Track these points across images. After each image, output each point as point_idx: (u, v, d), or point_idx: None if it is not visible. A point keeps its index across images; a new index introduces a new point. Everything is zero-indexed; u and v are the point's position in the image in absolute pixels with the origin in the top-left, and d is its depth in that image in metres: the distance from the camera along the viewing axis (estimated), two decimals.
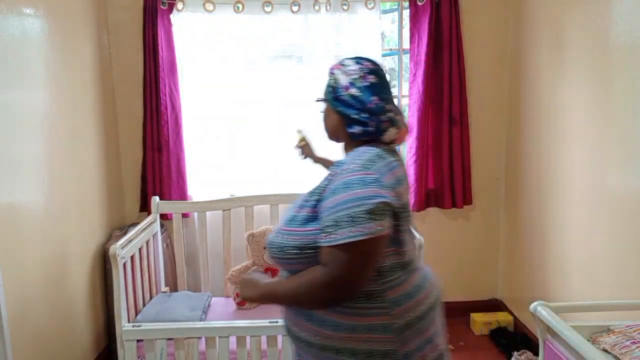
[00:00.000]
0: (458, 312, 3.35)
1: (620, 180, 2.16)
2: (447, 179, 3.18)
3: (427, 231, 3.12)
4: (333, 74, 1.37)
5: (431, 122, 3.14)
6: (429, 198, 3.23)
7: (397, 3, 3.31)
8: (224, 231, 2.96)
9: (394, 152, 1.36)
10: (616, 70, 2.17)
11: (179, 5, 2.98)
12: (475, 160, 3.29)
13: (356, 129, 1.32)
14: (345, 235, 1.13)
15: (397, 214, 1.22)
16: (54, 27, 2.41)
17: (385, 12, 3.40)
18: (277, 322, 2.26)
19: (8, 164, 2.01)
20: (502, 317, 3.22)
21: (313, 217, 1.24)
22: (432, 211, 3.31)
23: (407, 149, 3.21)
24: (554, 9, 2.66)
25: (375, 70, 1.35)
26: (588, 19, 2.37)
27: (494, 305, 3.43)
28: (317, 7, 3.04)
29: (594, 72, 2.33)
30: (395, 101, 3.59)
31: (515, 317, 3.20)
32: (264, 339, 2.30)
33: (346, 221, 1.13)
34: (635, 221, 2.05)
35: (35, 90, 2.23)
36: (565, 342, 1.56)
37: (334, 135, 1.43)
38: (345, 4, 3.04)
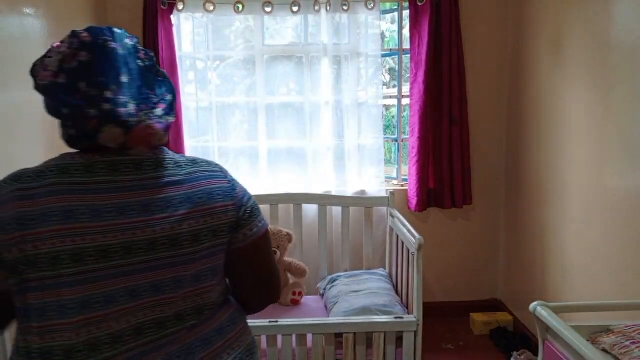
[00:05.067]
0: (458, 312, 3.37)
1: (620, 180, 2.16)
2: (447, 179, 3.18)
3: (427, 231, 3.13)
4: (46, 57, 0.96)
5: (432, 122, 3.15)
6: (429, 198, 3.24)
7: (397, 3, 3.31)
8: None
9: (119, 166, 0.94)
10: (616, 70, 2.17)
11: (179, 6, 2.98)
12: (475, 160, 3.29)
13: (62, 135, 0.96)
14: None
15: (16, 268, 0.85)
16: (55, 27, 2.41)
17: (385, 12, 3.40)
18: (276, 321, 2.26)
19: (8, 164, 2.00)
20: (502, 317, 3.22)
21: None
22: (432, 211, 3.32)
23: (409, 149, 3.21)
24: (554, 9, 2.66)
25: (92, 43, 0.93)
26: (588, 19, 2.37)
27: (494, 305, 3.43)
28: (317, 8, 3.05)
29: (594, 73, 2.33)
30: (395, 102, 3.64)
31: (515, 317, 3.20)
32: (263, 338, 2.30)
33: None
34: (635, 221, 2.05)
35: (35, 90, 2.23)
36: (564, 342, 1.56)
37: None
38: (345, 5, 3.04)
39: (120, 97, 0.92)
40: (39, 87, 0.93)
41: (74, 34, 0.94)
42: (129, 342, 0.91)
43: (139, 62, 0.98)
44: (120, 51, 0.95)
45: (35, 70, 0.94)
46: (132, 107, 0.93)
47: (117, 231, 0.89)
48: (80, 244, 0.86)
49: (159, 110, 0.98)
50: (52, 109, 0.93)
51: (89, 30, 0.95)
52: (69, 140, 0.95)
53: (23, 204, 0.85)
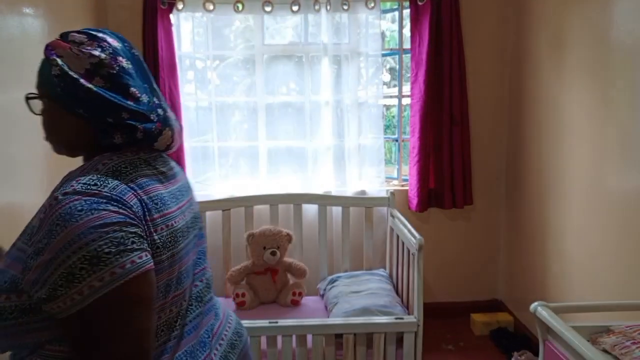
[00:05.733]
0: (458, 313, 3.36)
1: (620, 181, 2.16)
2: (448, 179, 3.18)
3: (428, 231, 3.13)
4: (57, 56, 0.93)
5: (432, 122, 3.14)
6: (430, 198, 3.23)
7: (397, 3, 3.30)
8: (224, 231, 2.95)
9: (159, 161, 1.03)
10: (616, 70, 2.17)
11: (179, 5, 2.97)
12: (476, 160, 3.28)
13: (118, 138, 0.95)
14: (97, 285, 0.80)
15: (153, 249, 0.90)
16: (54, 26, 2.40)
17: (385, 11, 3.39)
18: (276, 322, 2.26)
19: (7, 164, 2.00)
20: (503, 318, 3.22)
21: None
22: (433, 211, 3.31)
23: (410, 149, 3.21)
24: (555, 8, 2.66)
25: (124, 49, 0.99)
26: (588, 19, 2.36)
27: (495, 306, 3.42)
28: (317, 7, 3.04)
29: (595, 72, 2.32)
30: (395, 101, 3.64)
31: (515, 318, 3.20)
32: (263, 339, 2.30)
33: (84, 267, 0.80)
34: (635, 222, 2.04)
35: (34, 90, 2.23)
36: (565, 343, 1.55)
37: (72, 148, 1.03)
38: (345, 4, 3.03)
39: (162, 102, 1.03)
40: (88, 91, 0.92)
41: (94, 37, 0.96)
42: (195, 309, 1.06)
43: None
44: (140, 58, 1.04)
45: (70, 74, 0.92)
46: (170, 113, 1.05)
47: (182, 213, 1.02)
48: (175, 226, 0.97)
49: (172, 114, 1.08)
50: (109, 112, 0.93)
51: (111, 35, 0.99)
52: (124, 144, 0.96)
53: (133, 195, 0.90)
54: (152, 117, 0.97)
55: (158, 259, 0.90)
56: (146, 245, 0.87)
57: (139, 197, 0.90)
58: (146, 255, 0.86)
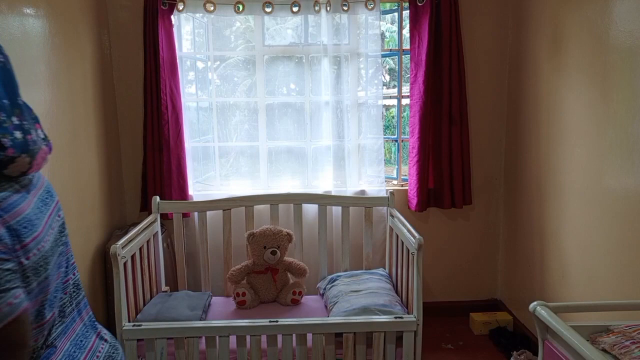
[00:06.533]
0: (457, 312, 3.37)
1: (619, 181, 2.17)
2: (447, 179, 3.19)
3: (427, 231, 3.14)
4: None
5: (431, 122, 3.15)
6: (429, 198, 3.24)
7: (397, 4, 3.31)
8: (224, 231, 2.96)
9: (12, 179, 0.86)
10: (615, 71, 2.17)
11: (180, 6, 2.98)
12: (475, 160, 3.29)
13: None
14: None
15: (24, 278, 0.81)
16: (55, 27, 2.41)
17: (385, 12, 3.40)
18: (276, 321, 2.26)
19: None
20: (502, 317, 3.23)
21: None
22: (432, 211, 3.32)
23: (409, 149, 3.22)
24: (554, 9, 2.67)
25: None
26: (588, 20, 2.37)
27: (494, 305, 3.43)
28: (317, 8, 3.05)
29: (594, 73, 2.33)
30: (395, 102, 3.63)
31: (514, 317, 3.21)
32: (263, 338, 2.31)
33: None
34: (634, 221, 2.05)
35: (35, 90, 2.23)
36: (564, 342, 1.56)
37: None
38: (345, 5, 3.04)
39: (24, 122, 0.86)
40: None
41: None
42: (59, 325, 0.96)
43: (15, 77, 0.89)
44: (7, 65, 0.86)
45: None
46: (34, 133, 0.88)
47: (50, 228, 0.91)
48: (45, 247, 0.87)
49: (40, 132, 0.92)
50: None
51: None
52: None
53: (0, 223, 0.78)
54: (2, 142, 0.80)
55: (29, 287, 0.80)
56: (19, 280, 0.77)
57: (6, 224, 0.78)
58: (22, 293, 0.77)
